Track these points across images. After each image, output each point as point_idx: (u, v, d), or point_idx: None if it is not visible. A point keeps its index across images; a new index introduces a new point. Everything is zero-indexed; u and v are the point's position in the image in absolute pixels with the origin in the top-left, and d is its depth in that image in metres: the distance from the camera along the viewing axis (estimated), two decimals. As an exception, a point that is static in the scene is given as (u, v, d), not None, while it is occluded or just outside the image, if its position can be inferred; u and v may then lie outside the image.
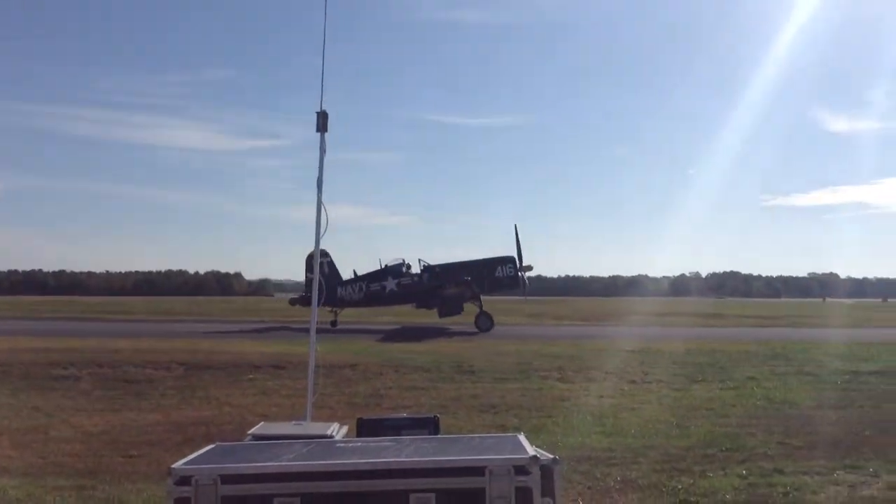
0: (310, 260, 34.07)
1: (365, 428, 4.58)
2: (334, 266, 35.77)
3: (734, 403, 12.30)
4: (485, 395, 13.10)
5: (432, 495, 3.34)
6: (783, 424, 10.36)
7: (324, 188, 5.65)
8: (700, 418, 10.88)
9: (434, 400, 12.49)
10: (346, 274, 36.35)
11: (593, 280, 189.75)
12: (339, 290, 34.84)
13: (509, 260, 34.87)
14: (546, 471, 3.64)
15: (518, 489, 3.36)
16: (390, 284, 35.27)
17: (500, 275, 35.01)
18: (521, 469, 3.37)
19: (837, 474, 7.56)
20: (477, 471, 3.37)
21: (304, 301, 35.08)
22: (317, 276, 6.22)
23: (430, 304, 35.08)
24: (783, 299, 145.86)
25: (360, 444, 3.93)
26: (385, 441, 3.94)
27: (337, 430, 4.66)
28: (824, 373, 16.07)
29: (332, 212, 5.60)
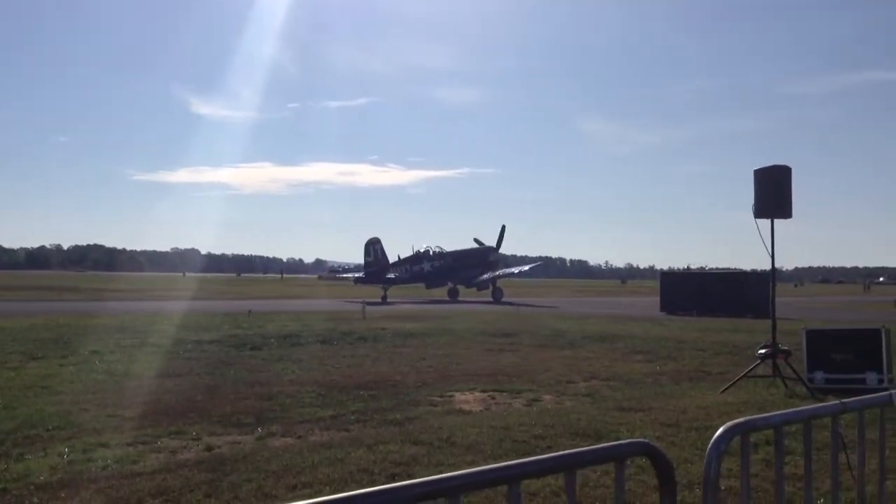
0: (368, 245, 46.13)
1: None
2: (384, 252, 46.15)
3: (73, 379, 11.85)
4: None
5: None
6: (119, 397, 10.35)
7: None
8: (32, 397, 10.16)
9: None
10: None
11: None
12: (391, 271, 45.50)
13: (495, 249, 48.67)
14: None
15: None
16: (427, 266, 47.05)
17: (492, 259, 48.06)
18: None
19: (161, 441, 7.80)
20: None
21: (365, 281, 45.88)
22: None
23: (453, 280, 47.53)
24: (146, 273, 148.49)
25: None
26: None
27: None
28: (169, 343, 16.73)
29: None
